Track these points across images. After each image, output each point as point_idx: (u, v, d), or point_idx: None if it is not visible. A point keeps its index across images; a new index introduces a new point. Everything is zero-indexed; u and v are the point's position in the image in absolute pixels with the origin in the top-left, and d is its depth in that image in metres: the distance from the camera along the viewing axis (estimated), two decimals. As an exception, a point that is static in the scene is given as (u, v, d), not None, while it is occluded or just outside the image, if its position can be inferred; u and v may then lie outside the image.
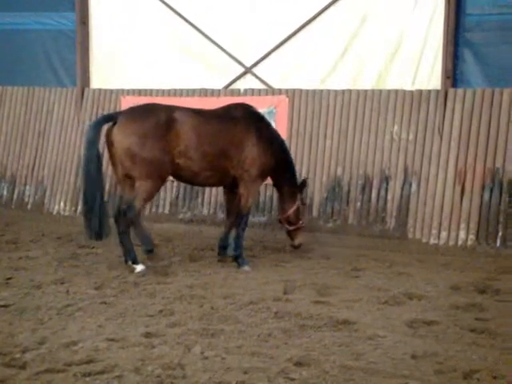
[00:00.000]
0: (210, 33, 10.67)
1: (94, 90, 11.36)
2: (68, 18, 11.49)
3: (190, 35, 10.79)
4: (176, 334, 5.28)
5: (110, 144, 7.53)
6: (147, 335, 5.28)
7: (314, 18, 10.10)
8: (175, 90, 10.77)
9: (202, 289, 6.77)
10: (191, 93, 10.65)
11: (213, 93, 10.58)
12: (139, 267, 7.53)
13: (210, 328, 5.44)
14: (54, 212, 11.17)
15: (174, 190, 10.51)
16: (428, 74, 9.59)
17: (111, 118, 7.70)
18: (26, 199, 11.45)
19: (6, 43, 12.01)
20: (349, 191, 9.71)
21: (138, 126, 7.47)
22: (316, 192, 9.87)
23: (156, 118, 7.56)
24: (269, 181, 8.71)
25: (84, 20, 11.35)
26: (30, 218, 10.96)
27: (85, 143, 7.57)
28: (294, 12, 10.18)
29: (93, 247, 8.81)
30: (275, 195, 9.95)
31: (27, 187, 11.48)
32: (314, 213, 9.83)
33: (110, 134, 7.51)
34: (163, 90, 10.84)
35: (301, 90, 10.12)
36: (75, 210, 11.00)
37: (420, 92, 9.50)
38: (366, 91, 9.79)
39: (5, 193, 11.58)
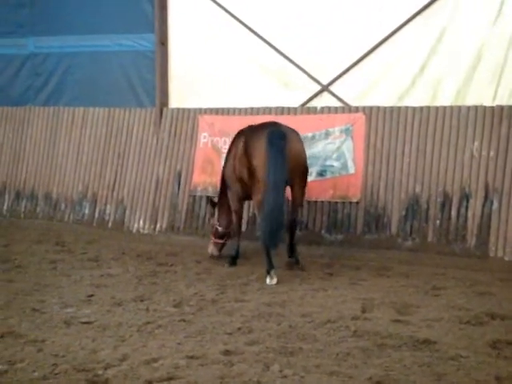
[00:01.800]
0: (286, 51, 10.72)
1: (173, 110, 11.56)
2: (147, 39, 11.73)
3: (267, 54, 10.87)
4: (254, 352, 5.30)
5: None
6: (226, 353, 5.31)
7: (392, 34, 10.04)
8: (252, 108, 10.87)
9: (280, 307, 6.78)
10: (268, 111, 10.72)
11: (289, 111, 10.62)
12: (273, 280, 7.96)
13: (289, 346, 5.45)
14: (134, 230, 11.37)
15: (250, 208, 10.58)
16: (510, 90, 9.38)
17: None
18: (107, 218, 11.68)
19: (88, 65, 12.36)
20: (428, 209, 9.56)
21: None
22: (394, 210, 9.77)
23: None
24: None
25: (163, 41, 11.56)
26: (111, 236, 11.18)
27: (278, 157, 8.06)
28: (371, 29, 10.14)
29: (171, 265, 8.95)
30: (353, 213, 9.94)
31: (108, 206, 11.71)
32: (393, 230, 9.73)
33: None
34: (240, 109, 10.95)
35: (378, 108, 10.06)
36: (154, 228, 11.17)
37: (501, 108, 9.31)
38: (444, 108, 9.65)
39: (86, 211, 11.85)
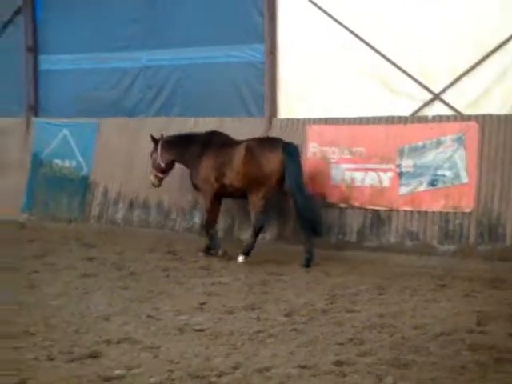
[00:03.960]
0: (396, 59, 10.63)
1: (282, 120, 11.65)
2: (257, 49, 11.87)
3: (376, 62, 10.80)
4: (367, 364, 5.27)
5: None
6: (338, 363, 5.30)
7: (508, 40, 9.78)
8: (361, 118, 10.82)
9: (392, 318, 6.71)
10: (377, 120, 10.65)
11: (400, 120, 10.51)
12: None
13: (402, 358, 5.38)
14: (244, 240, 11.48)
15: (361, 217, 10.53)
16: None
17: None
18: (216, 227, 11.81)
19: (198, 77, 12.59)
20: (545, 219, 9.25)
21: None
22: (509, 220, 9.48)
23: None
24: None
25: (272, 51, 11.67)
26: (222, 245, 11.29)
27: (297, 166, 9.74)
28: (484, 35, 9.91)
29: (281, 274, 9.01)
30: (465, 223, 9.73)
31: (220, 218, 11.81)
32: (507, 241, 9.45)
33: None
34: (349, 119, 10.93)
35: (491, 116, 9.81)
36: (263, 237, 11.22)
37: None
38: None
39: (196, 220, 12.03)
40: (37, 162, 14.10)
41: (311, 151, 11.17)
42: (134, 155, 12.99)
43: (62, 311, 7.04)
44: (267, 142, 10.18)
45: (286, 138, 11.20)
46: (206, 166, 10.35)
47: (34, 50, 14.50)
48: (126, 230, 12.65)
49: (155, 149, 11.09)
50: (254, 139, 10.25)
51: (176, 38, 12.76)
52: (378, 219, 10.47)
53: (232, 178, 10.10)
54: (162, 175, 11.11)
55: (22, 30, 14.53)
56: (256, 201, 9.87)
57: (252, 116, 12.05)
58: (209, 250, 10.51)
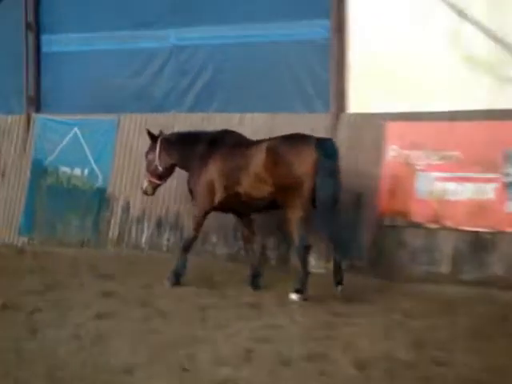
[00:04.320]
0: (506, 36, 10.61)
1: (352, 116, 11.70)
2: (320, 26, 11.95)
3: (476, 40, 10.79)
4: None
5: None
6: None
7: None
8: (455, 112, 10.76)
9: (498, 374, 6.65)
10: (477, 116, 10.59)
11: (508, 115, 10.43)
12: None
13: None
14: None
15: (456, 241, 10.50)
16: None
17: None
18: (269, 253, 11.95)
19: (243, 61, 12.79)
20: None
21: None
22: None
23: None
24: None
25: (340, 27, 11.69)
26: (273, 276, 11.26)
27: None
28: None
29: (350, 315, 8.98)
30: None
31: (271, 239, 11.96)
32: None
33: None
34: (439, 113, 10.89)
35: None
36: (325, 267, 11.23)
37: None
38: None
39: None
40: (39, 171, 14.32)
41: (390, 155, 11.20)
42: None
43: (72, 362, 7.12)
44: (295, 138, 10.28)
45: (359, 139, 11.28)
46: (212, 171, 10.62)
47: (36, 27, 14.80)
48: (153, 256, 12.77)
49: (152, 148, 11.42)
50: (277, 137, 10.39)
51: (215, 11, 12.95)
52: (479, 244, 10.41)
53: (248, 185, 10.29)
54: (158, 182, 11.45)
55: (20, 2, 14.80)
56: (292, 214, 9.93)
57: (314, 111, 12.11)
58: (179, 278, 10.74)
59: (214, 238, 12.48)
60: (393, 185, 10.94)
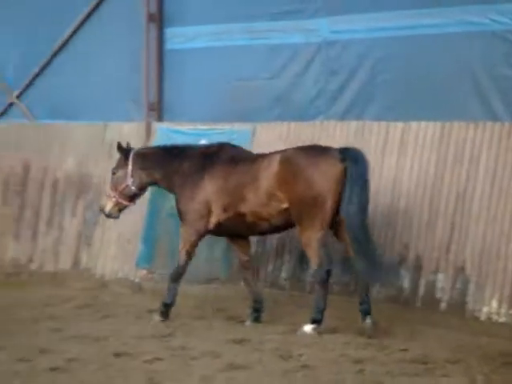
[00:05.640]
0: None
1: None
2: (506, 12, 11.64)
3: None
4: None
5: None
6: None
7: None
8: None
9: None
10: None
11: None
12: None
13: None
14: (482, 316, 11.31)
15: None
16: None
17: None
18: (438, 295, 11.74)
19: (409, 57, 12.58)
20: None
21: None
22: None
23: None
24: None
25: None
26: (444, 322, 11.15)
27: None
28: None
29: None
30: None
31: (439, 276, 11.79)
32: None
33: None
34: None
35: None
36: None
37: None
38: None
39: (405, 285, 11.97)
40: (159, 190, 14.35)
41: None
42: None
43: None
44: (314, 149, 10.89)
45: None
46: (208, 190, 11.10)
47: (159, 19, 14.96)
48: (295, 297, 12.71)
49: (122, 164, 11.80)
50: (289, 149, 10.96)
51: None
52: None
53: (257, 203, 10.73)
54: (127, 203, 11.91)
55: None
56: (311, 236, 10.34)
57: (498, 119, 11.84)
58: (168, 310, 11.32)
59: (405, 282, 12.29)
60: None
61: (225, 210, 10.93)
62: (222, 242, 13.37)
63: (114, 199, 11.71)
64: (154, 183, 11.89)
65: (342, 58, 13.23)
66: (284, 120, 13.64)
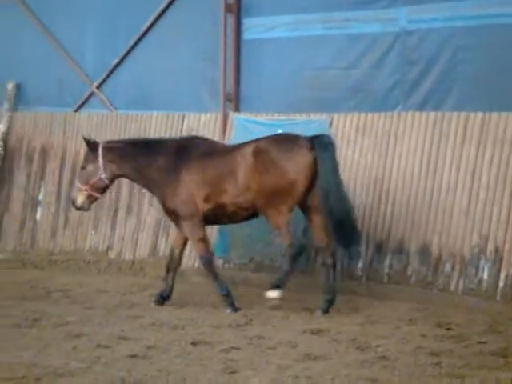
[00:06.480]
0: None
1: None
2: None
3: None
4: None
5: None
6: None
7: None
8: None
9: None
10: None
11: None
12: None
13: None
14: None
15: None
16: None
17: None
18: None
19: (490, 47, 12.35)
20: None
21: None
22: None
23: None
24: None
25: None
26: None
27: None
28: None
29: None
30: None
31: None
32: None
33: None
34: None
35: None
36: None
37: None
38: None
39: (485, 277, 11.80)
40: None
41: None
42: (385, 172, 12.91)
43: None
44: (285, 139, 11.58)
45: None
46: (189, 183, 11.57)
47: (237, 9, 14.92)
48: (372, 288, 12.67)
49: (92, 158, 12.10)
50: (261, 139, 11.62)
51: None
52: None
53: (236, 194, 11.37)
54: (99, 195, 12.37)
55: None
56: (281, 219, 11.18)
57: None
58: (231, 299, 11.66)
59: (447, 267, 12.15)
60: None
61: (207, 201, 11.46)
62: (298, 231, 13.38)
63: (85, 192, 12.04)
64: (124, 176, 12.34)
65: (420, 47, 13.04)
66: (361, 110, 13.50)
